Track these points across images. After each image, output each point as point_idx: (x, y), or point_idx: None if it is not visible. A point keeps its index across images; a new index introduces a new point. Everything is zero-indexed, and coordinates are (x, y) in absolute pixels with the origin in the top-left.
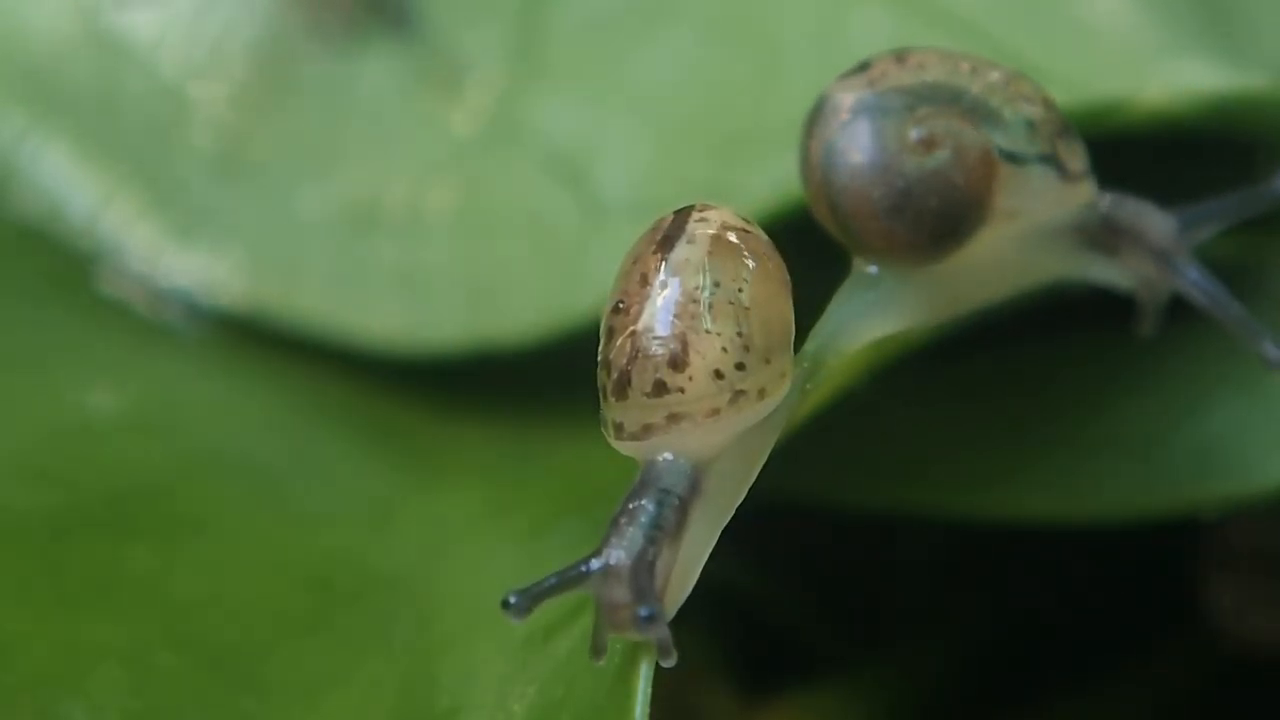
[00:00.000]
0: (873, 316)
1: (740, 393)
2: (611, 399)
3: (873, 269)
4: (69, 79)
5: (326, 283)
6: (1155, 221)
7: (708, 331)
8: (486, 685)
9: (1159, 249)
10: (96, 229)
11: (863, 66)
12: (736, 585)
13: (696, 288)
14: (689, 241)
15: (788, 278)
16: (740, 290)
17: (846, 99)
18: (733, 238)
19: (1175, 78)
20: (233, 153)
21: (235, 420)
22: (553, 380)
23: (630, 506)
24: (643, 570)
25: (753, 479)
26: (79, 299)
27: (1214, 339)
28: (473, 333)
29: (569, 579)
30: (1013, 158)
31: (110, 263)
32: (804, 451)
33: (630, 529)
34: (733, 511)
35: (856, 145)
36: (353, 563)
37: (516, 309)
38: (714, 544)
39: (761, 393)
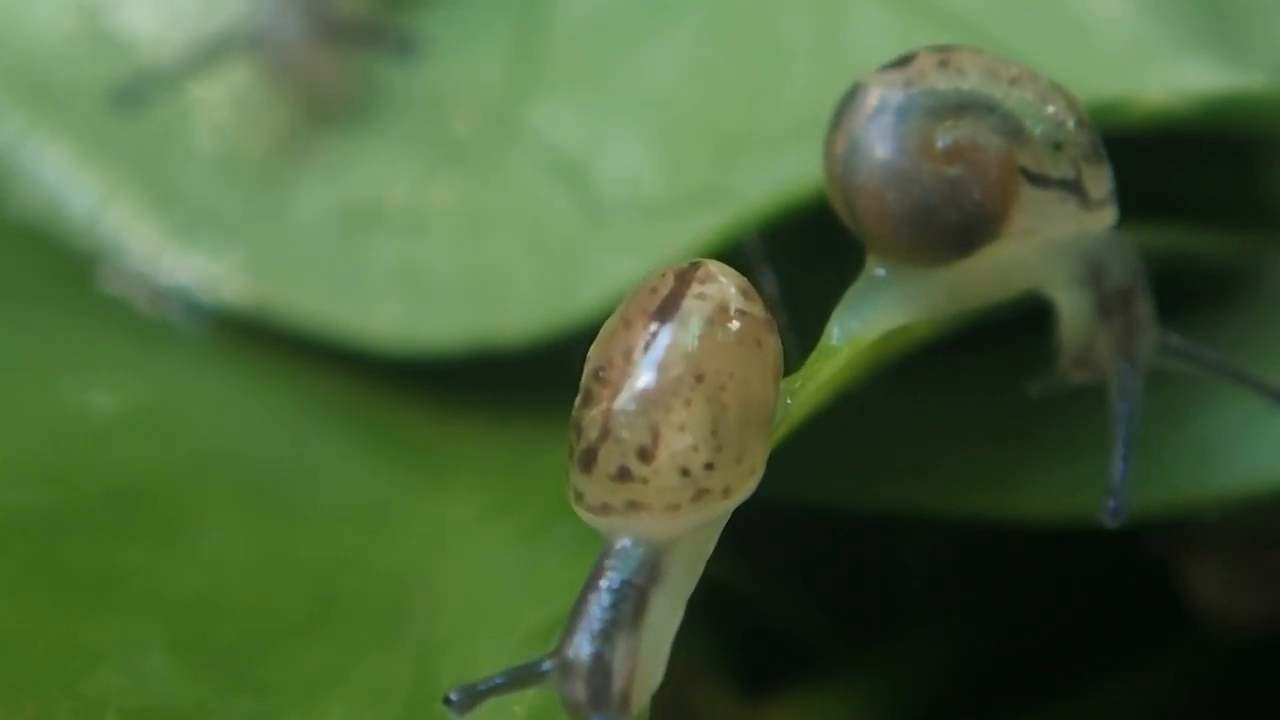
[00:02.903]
0: (877, 313)
1: (704, 491)
2: (577, 467)
3: (879, 270)
4: (69, 78)
5: (326, 282)
6: (1150, 331)
7: (681, 428)
8: None
9: (1134, 350)
10: (97, 228)
11: (904, 61)
12: (736, 585)
13: (678, 379)
14: (681, 323)
15: (780, 361)
16: (723, 387)
17: (879, 95)
18: (729, 323)
19: (1175, 78)
20: (233, 153)
21: (235, 420)
22: (553, 380)
23: (588, 599)
24: (599, 673)
25: (712, 548)
26: (79, 299)
27: (1213, 340)
28: (473, 332)
29: (523, 677)
30: (1035, 179)
31: (110, 262)
32: (804, 451)
33: (589, 625)
34: (695, 583)
35: (880, 145)
36: (352, 563)
37: (516, 309)
38: (681, 617)
39: (726, 491)
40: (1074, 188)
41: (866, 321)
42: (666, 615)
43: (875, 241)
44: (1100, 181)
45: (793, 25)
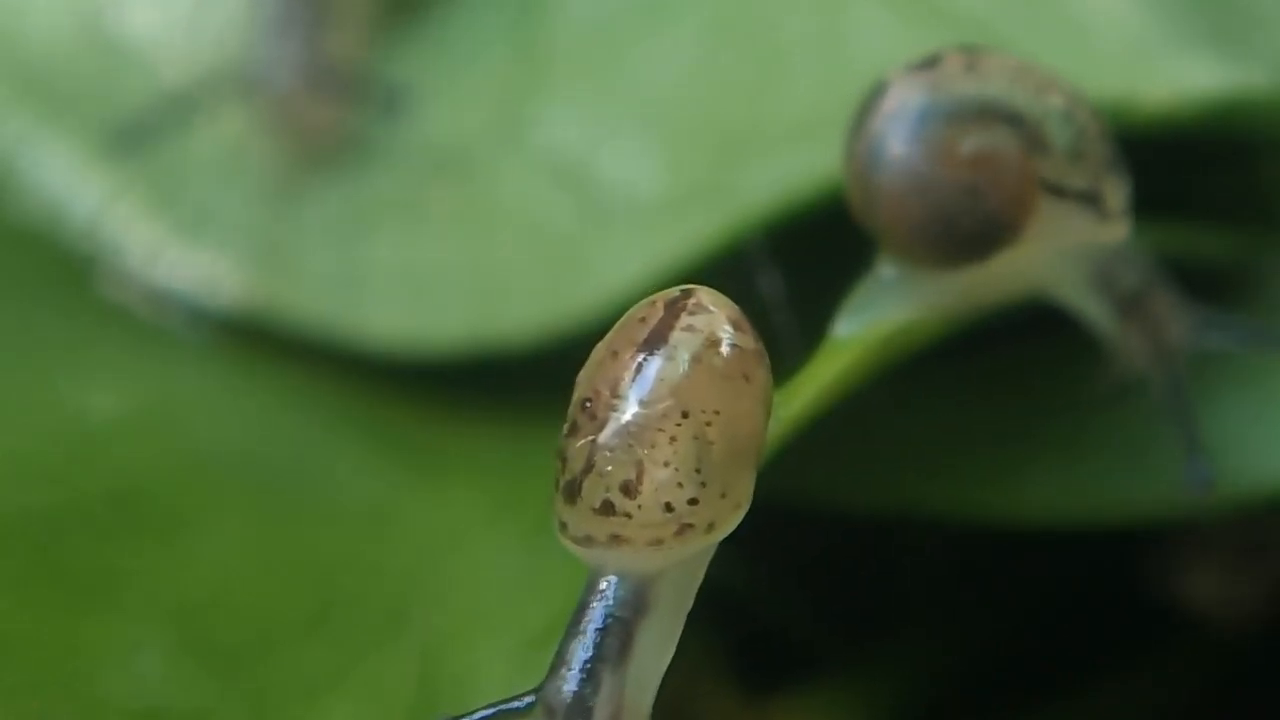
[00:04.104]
0: (884, 311)
1: (688, 526)
2: (561, 497)
3: (888, 269)
4: (69, 79)
5: (327, 283)
6: (1176, 320)
7: (666, 464)
8: (487, 686)
9: (1165, 345)
10: (97, 230)
11: (931, 62)
12: (736, 585)
13: (664, 414)
14: (669, 357)
15: (769, 392)
16: (709, 423)
17: (904, 96)
18: (717, 357)
19: (1175, 77)
20: (234, 155)
21: (235, 420)
22: (553, 380)
23: (571, 635)
24: (578, 715)
25: (700, 579)
26: (80, 300)
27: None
28: (473, 333)
29: (503, 713)
30: (1054, 190)
31: (111, 263)
32: (804, 451)
33: (570, 663)
34: (684, 616)
35: (902, 148)
36: (353, 563)
37: (516, 309)
38: (671, 653)
39: (710, 526)
40: (1091, 199)
41: (873, 319)
42: (655, 649)
43: (889, 242)
44: (1117, 193)
45: (793, 25)
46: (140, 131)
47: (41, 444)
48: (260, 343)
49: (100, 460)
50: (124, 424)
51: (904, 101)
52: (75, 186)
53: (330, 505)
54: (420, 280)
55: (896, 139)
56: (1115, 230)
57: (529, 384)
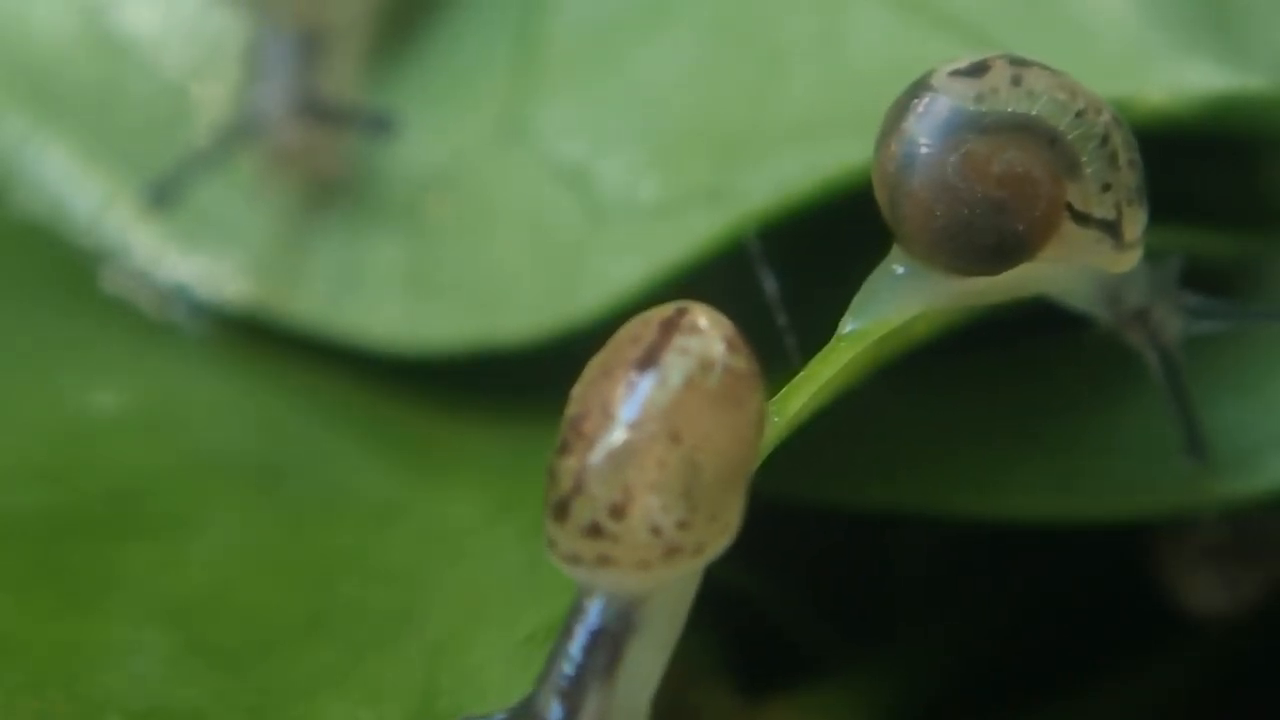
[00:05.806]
0: (893, 307)
1: (676, 549)
2: (550, 516)
3: (899, 267)
4: (70, 79)
5: (328, 283)
6: (1173, 321)
7: (655, 488)
8: (487, 685)
9: (1163, 341)
10: (99, 229)
11: (978, 70)
12: (736, 585)
13: (653, 436)
14: (660, 379)
15: (763, 414)
16: (699, 448)
17: (946, 103)
18: (710, 380)
19: (1175, 78)
20: (233, 164)
21: (236, 420)
22: (553, 380)
23: (557, 651)
24: None
25: (692, 598)
26: (81, 299)
27: (1213, 341)
28: (473, 332)
29: None
30: (1079, 216)
31: (112, 263)
32: (804, 451)
33: (554, 679)
34: (676, 636)
35: (937, 156)
36: (354, 562)
37: (516, 309)
38: (662, 672)
39: (699, 549)
40: (1112, 229)
41: (881, 314)
42: (645, 666)
43: (909, 244)
44: (1136, 225)
45: (793, 25)
46: (176, 184)
47: (41, 444)
48: (262, 342)
49: (100, 460)
50: (125, 423)
51: (945, 109)
52: (76, 185)
53: (330, 505)
54: (421, 281)
55: (931, 144)
56: (1128, 259)
57: (529, 384)
